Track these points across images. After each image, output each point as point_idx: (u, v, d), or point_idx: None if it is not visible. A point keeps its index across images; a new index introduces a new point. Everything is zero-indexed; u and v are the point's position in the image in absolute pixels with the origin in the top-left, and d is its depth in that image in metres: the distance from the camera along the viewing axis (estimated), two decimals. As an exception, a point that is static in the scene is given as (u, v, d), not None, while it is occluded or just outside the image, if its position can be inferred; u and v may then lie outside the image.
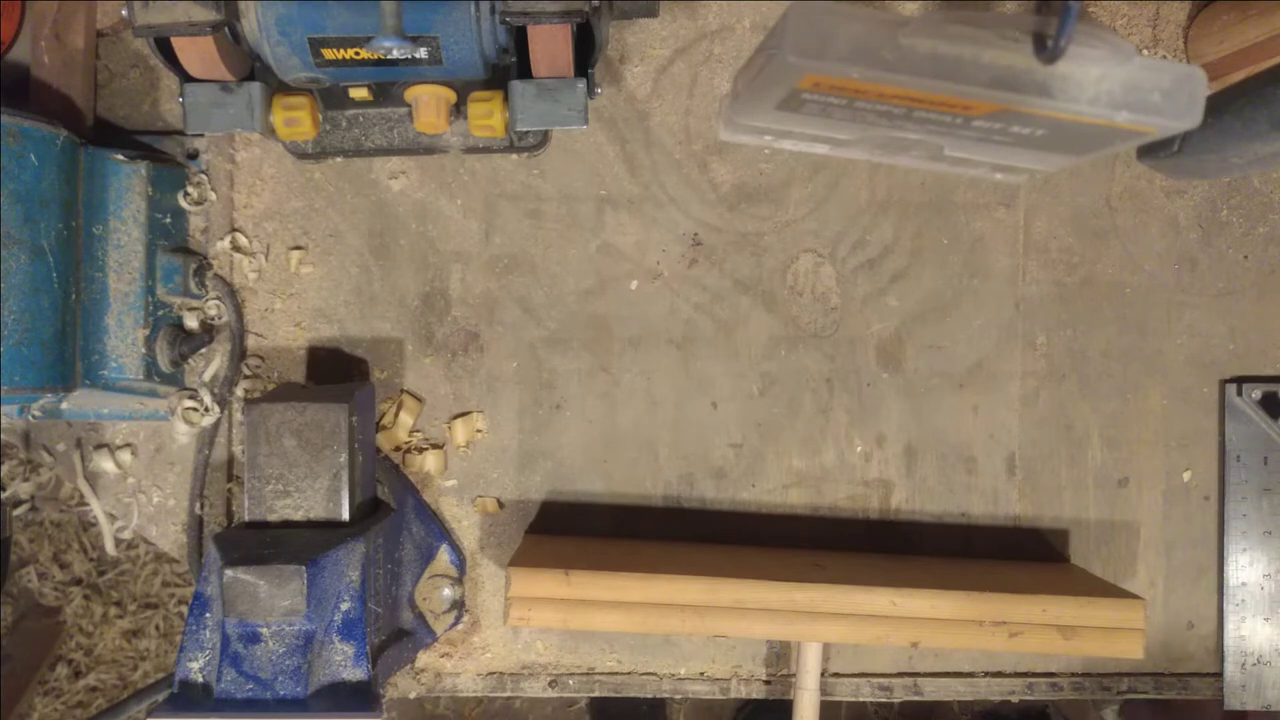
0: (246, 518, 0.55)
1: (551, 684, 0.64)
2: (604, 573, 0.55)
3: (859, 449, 0.64)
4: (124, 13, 0.50)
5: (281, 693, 0.49)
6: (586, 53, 0.55)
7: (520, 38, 0.54)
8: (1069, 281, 0.64)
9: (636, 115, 0.64)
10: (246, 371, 0.64)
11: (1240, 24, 0.58)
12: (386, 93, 0.57)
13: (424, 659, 0.64)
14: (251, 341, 0.64)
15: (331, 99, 0.58)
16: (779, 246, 0.64)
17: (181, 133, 0.64)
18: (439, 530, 0.64)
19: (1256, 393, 0.63)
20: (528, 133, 0.61)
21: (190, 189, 0.63)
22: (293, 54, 0.51)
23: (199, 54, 0.52)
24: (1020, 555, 0.64)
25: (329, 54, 0.50)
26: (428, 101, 0.56)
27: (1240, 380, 0.64)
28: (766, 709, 1.16)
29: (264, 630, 0.49)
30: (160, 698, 0.57)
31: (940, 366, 0.64)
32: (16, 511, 0.65)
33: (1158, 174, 0.63)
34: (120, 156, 0.58)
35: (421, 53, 0.51)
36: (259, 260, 0.64)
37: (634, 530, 0.64)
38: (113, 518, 0.65)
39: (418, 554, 0.62)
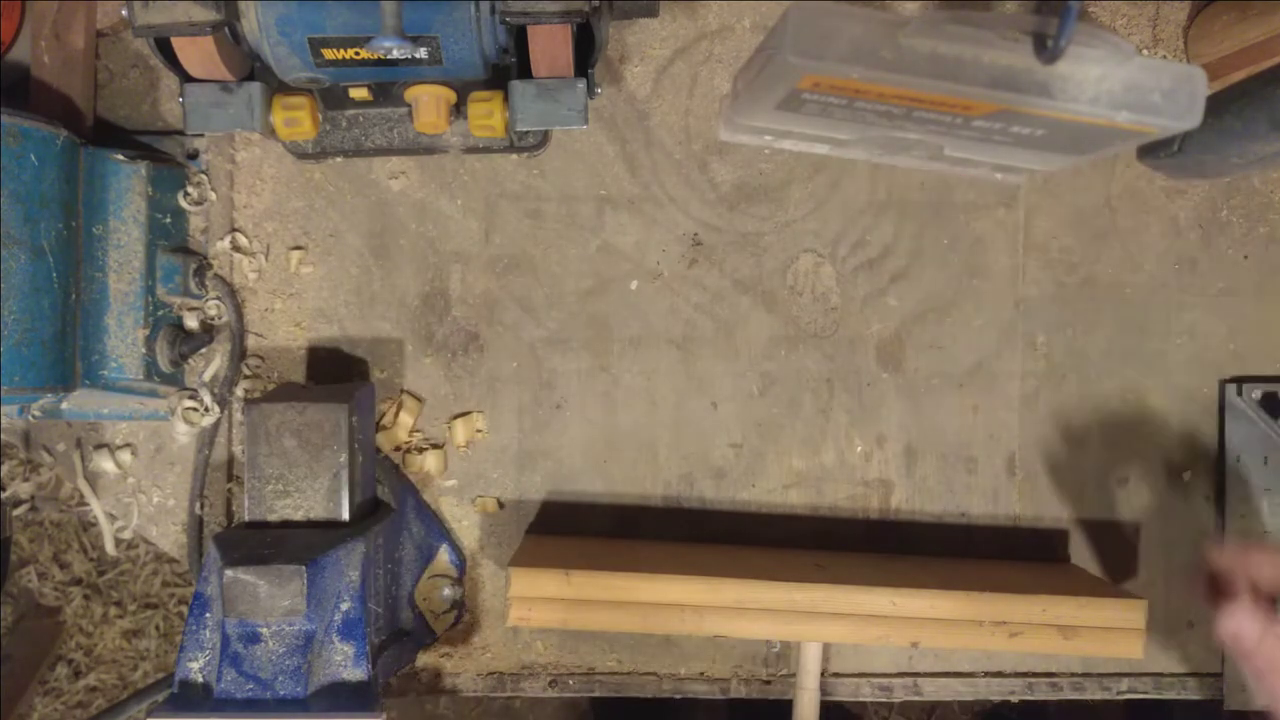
0: (246, 518, 0.55)
1: (551, 684, 0.64)
2: (604, 572, 0.55)
3: (859, 449, 0.64)
4: (124, 13, 0.50)
5: (281, 693, 0.49)
6: (586, 53, 0.55)
7: (520, 38, 0.54)
8: (1069, 281, 0.64)
9: (636, 115, 0.64)
10: (246, 371, 0.64)
11: (1240, 24, 0.58)
12: (386, 93, 0.57)
13: (424, 659, 0.64)
14: (251, 341, 0.64)
15: (331, 99, 0.58)
16: (779, 246, 0.64)
17: (181, 133, 0.64)
18: (439, 530, 0.64)
19: (1256, 393, 0.63)
20: (528, 133, 0.61)
21: (190, 189, 0.63)
22: (293, 54, 0.51)
23: (199, 54, 0.52)
24: (1020, 555, 0.64)
25: (329, 54, 0.50)
26: (428, 101, 0.56)
27: (1240, 380, 0.64)
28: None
29: (264, 630, 0.49)
30: (160, 698, 0.57)
31: (940, 366, 0.64)
32: (16, 511, 0.65)
33: (1158, 174, 0.63)
34: (120, 156, 0.58)
35: (421, 53, 0.51)
36: (259, 260, 0.64)
37: (634, 530, 0.64)
38: (113, 518, 0.65)
39: (418, 554, 0.62)
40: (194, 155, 0.64)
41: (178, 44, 0.52)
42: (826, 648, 0.63)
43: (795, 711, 0.59)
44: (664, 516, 0.64)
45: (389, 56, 0.50)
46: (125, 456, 0.64)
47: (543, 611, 0.55)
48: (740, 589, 0.55)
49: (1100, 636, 0.55)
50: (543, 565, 0.55)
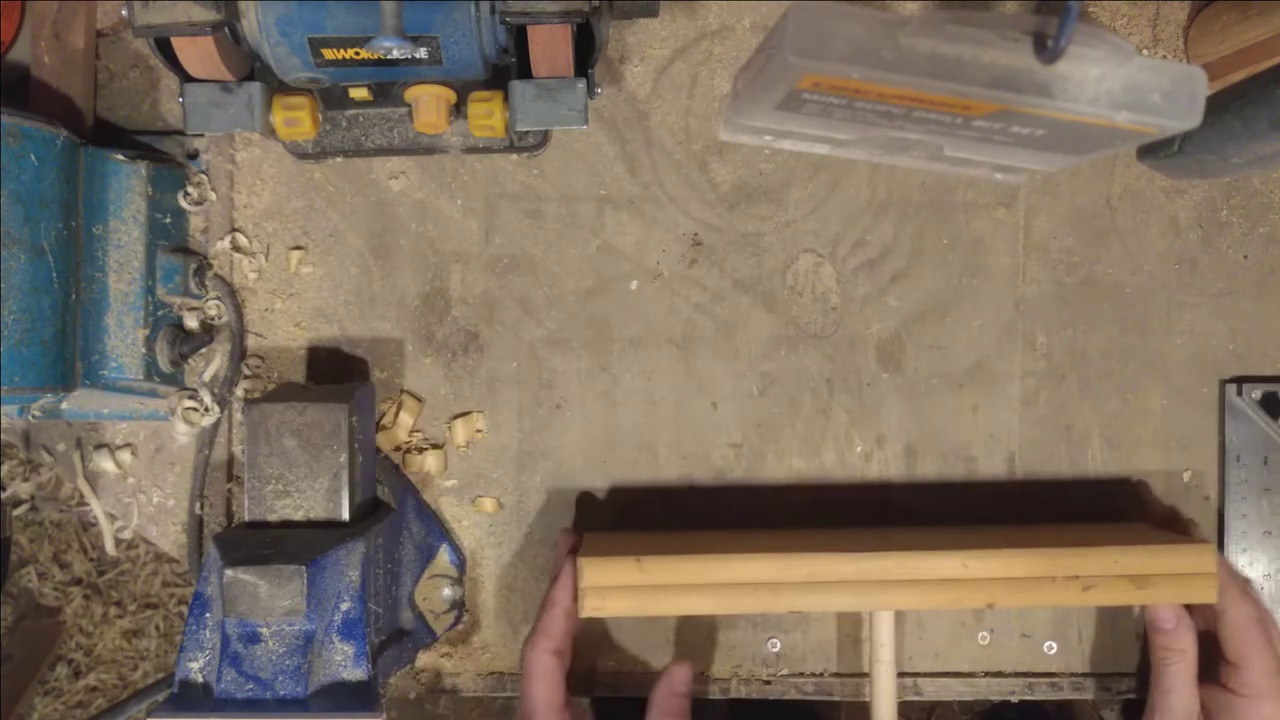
0: (246, 518, 0.55)
1: (551, 684, 0.64)
2: (676, 556, 0.55)
3: (859, 449, 0.64)
4: (124, 13, 0.50)
5: (281, 693, 0.49)
6: (586, 53, 0.55)
7: (520, 38, 0.54)
8: (1069, 281, 0.64)
9: (636, 115, 0.64)
10: (246, 371, 0.64)
11: (1240, 24, 0.58)
12: (386, 93, 0.57)
13: (424, 659, 0.64)
14: (251, 341, 0.64)
15: (331, 99, 0.58)
16: (779, 246, 0.64)
17: (181, 133, 0.64)
18: (439, 530, 0.64)
19: (1256, 393, 0.63)
20: (528, 133, 0.61)
21: (190, 189, 0.63)
22: (293, 54, 0.51)
23: (199, 54, 0.52)
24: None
25: (329, 54, 0.51)
26: (428, 101, 0.56)
27: (1240, 380, 0.64)
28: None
29: (264, 630, 0.49)
30: (160, 698, 0.57)
31: (940, 366, 0.64)
32: (16, 511, 0.65)
33: (1158, 174, 0.63)
34: (120, 156, 0.58)
35: (421, 53, 0.51)
36: (259, 260, 0.64)
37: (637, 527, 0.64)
38: (113, 518, 0.65)
39: (418, 554, 0.62)
40: (194, 155, 0.64)
41: (178, 44, 0.52)
42: (898, 620, 0.61)
43: (872, 684, 0.58)
44: (665, 516, 0.64)
45: (389, 56, 0.50)
46: (125, 456, 0.64)
47: (616, 600, 0.54)
48: (812, 563, 0.54)
49: (1173, 584, 0.55)
50: (612, 554, 0.55)
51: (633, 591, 0.54)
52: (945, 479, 0.64)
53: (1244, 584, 0.56)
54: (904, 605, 0.55)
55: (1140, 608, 0.59)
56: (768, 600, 0.55)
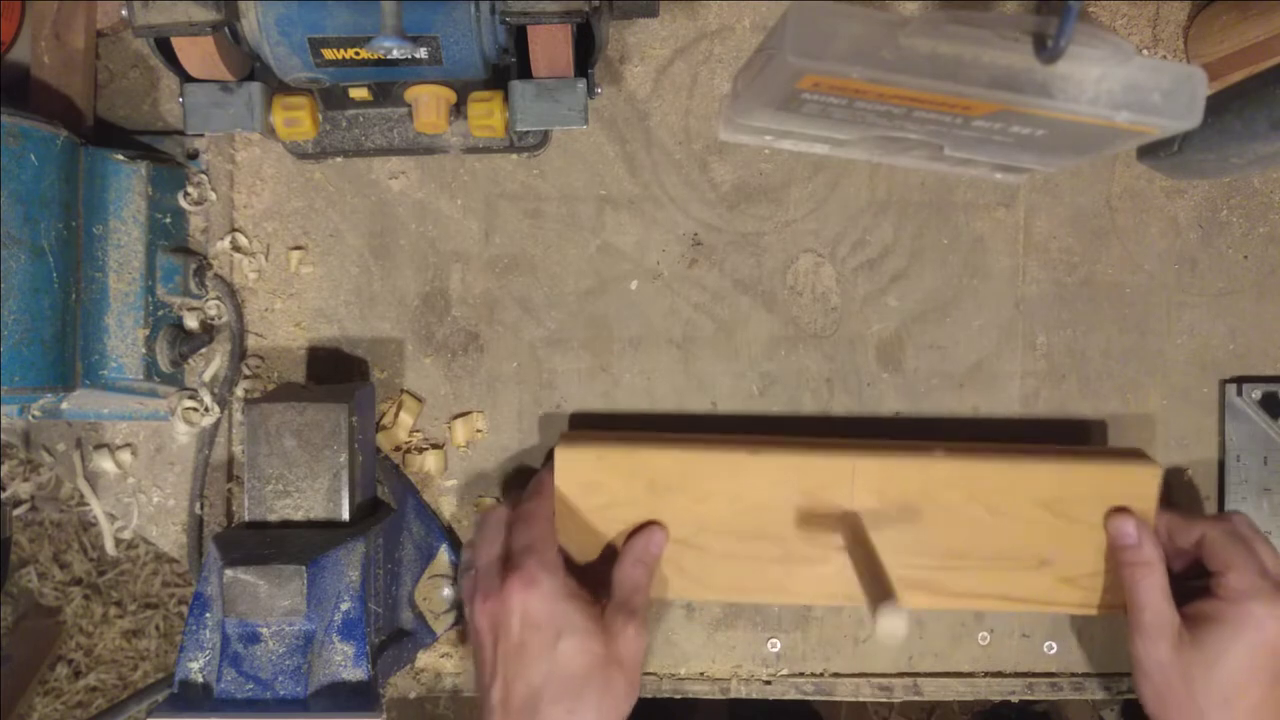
0: (246, 518, 0.55)
1: (551, 684, 0.64)
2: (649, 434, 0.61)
3: (859, 449, 0.64)
4: (124, 13, 0.50)
5: (281, 693, 0.49)
6: (586, 53, 0.55)
7: (520, 38, 0.54)
8: (1069, 281, 0.64)
9: (636, 115, 0.64)
10: (246, 371, 0.64)
11: (1240, 24, 0.58)
12: (386, 93, 0.57)
13: (424, 659, 0.64)
14: (251, 341, 0.64)
15: (331, 99, 0.58)
16: (779, 246, 0.64)
17: (181, 133, 0.64)
18: (439, 530, 0.64)
19: (1256, 393, 0.63)
20: (528, 133, 0.61)
21: (190, 189, 0.63)
22: (293, 54, 0.51)
23: (199, 54, 0.52)
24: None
25: (329, 54, 0.51)
26: (428, 101, 0.56)
27: (1240, 380, 0.64)
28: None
29: (264, 630, 0.49)
30: (160, 698, 0.57)
31: (940, 366, 0.64)
32: (16, 511, 0.65)
33: (1158, 174, 0.63)
34: (120, 156, 0.58)
35: (421, 53, 0.51)
36: (259, 260, 0.64)
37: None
38: (113, 518, 0.65)
39: (418, 554, 0.62)
40: (194, 155, 0.64)
41: (178, 44, 0.52)
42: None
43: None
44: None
45: (389, 56, 0.50)
46: (125, 456, 0.64)
47: (586, 451, 0.58)
48: (772, 442, 0.59)
49: (1116, 462, 0.58)
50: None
51: (602, 445, 0.58)
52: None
53: (1232, 517, 0.57)
54: (863, 462, 0.58)
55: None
56: (724, 458, 0.57)
